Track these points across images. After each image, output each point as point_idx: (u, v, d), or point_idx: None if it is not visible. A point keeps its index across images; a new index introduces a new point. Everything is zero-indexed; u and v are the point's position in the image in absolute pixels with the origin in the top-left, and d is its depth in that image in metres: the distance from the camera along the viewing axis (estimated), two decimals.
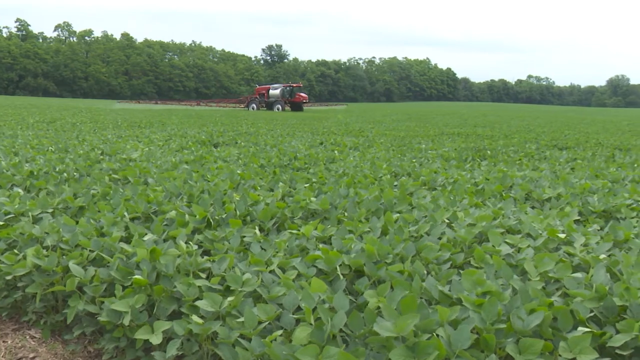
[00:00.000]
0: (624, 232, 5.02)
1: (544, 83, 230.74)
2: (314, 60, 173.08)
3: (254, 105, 56.35)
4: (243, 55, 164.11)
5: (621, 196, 6.92)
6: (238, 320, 3.25)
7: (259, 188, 7.19)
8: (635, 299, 3.25)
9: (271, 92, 57.86)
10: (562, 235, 4.84)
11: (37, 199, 5.89)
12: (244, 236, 4.83)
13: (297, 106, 57.26)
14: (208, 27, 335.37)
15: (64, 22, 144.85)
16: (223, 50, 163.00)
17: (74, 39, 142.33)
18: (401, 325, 2.78)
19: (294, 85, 60.47)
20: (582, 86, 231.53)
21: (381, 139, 18.06)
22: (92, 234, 4.71)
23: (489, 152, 13.91)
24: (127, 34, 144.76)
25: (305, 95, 60.36)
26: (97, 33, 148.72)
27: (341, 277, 3.87)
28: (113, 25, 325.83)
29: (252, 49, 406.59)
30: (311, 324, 3.05)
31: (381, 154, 12.74)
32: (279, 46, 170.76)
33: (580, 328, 3.03)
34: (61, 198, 6.05)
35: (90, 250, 4.35)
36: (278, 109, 55.03)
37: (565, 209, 6.34)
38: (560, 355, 2.83)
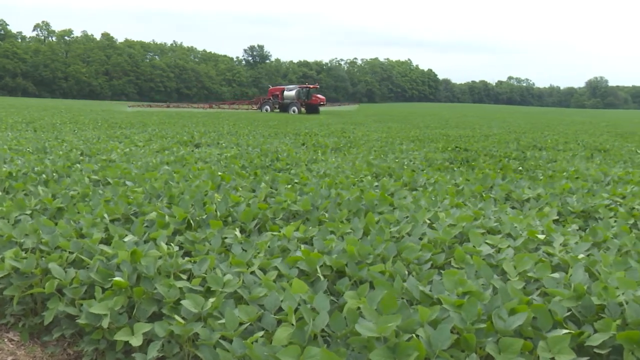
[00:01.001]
0: (603, 233, 5.08)
1: (524, 84, 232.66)
2: (295, 61, 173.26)
3: (267, 107, 54.13)
4: (225, 56, 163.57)
5: (600, 196, 7.00)
6: (219, 321, 3.23)
7: (240, 189, 7.17)
8: (613, 298, 3.29)
9: (286, 93, 55.02)
10: (542, 236, 4.88)
11: (15, 200, 5.83)
12: (225, 237, 4.82)
13: (313, 108, 54.28)
14: (189, 27, 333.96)
15: (43, 22, 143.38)
16: (204, 50, 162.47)
17: (54, 38, 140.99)
18: (383, 325, 2.79)
19: (311, 86, 57.60)
20: (562, 87, 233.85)
21: (362, 139, 18.10)
22: (71, 235, 4.67)
23: (470, 153, 13.98)
24: (108, 34, 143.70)
25: (323, 97, 57.53)
26: (77, 33, 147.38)
27: (322, 277, 3.87)
28: (93, 25, 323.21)
29: (234, 50, 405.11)
30: (293, 325, 3.04)
31: (363, 154, 12.76)
32: (261, 47, 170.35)
33: (559, 330, 3.06)
34: (39, 199, 5.99)
35: (69, 252, 4.31)
36: (294, 111, 52.00)
37: (544, 209, 6.39)
38: (539, 355, 2.86)
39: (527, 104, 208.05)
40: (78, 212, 5.55)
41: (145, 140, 15.29)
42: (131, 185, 7.21)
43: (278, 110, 54.13)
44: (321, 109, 56.34)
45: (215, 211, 5.54)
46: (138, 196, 6.14)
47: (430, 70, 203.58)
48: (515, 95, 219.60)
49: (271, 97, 55.88)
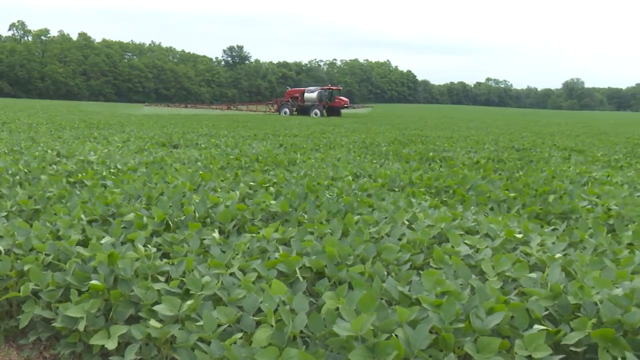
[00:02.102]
0: (579, 233, 5.14)
1: (502, 86, 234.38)
2: (275, 61, 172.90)
3: (287, 110, 51.65)
4: (204, 57, 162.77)
5: (578, 197, 7.08)
6: (197, 323, 3.22)
7: (219, 190, 7.14)
8: (589, 297, 3.32)
9: (307, 95, 52.43)
10: (519, 236, 4.92)
11: None
12: (204, 238, 4.79)
13: (334, 111, 51.72)
14: (167, 27, 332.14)
15: (19, 21, 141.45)
16: (183, 51, 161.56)
17: (30, 38, 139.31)
18: (358, 324, 2.80)
19: (333, 87, 54.90)
20: (539, 89, 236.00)
21: (342, 140, 18.12)
22: (47, 237, 4.61)
23: (449, 154, 14.07)
24: (85, 34, 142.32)
25: (346, 99, 54.71)
26: (54, 33, 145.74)
27: (301, 279, 3.87)
28: (70, 24, 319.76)
29: (213, 50, 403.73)
30: (272, 326, 3.04)
31: (342, 155, 12.78)
32: (240, 47, 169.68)
33: (536, 326, 3.08)
34: (15, 201, 5.92)
35: (45, 254, 4.26)
36: (316, 114, 49.32)
37: (522, 210, 6.45)
38: (516, 353, 2.88)
39: (505, 105, 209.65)
40: (55, 214, 5.49)
41: (123, 141, 15.17)
42: (110, 185, 7.15)
43: (296, 112, 51.67)
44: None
45: (194, 212, 5.51)
46: (116, 197, 6.09)
47: (409, 71, 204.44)
48: (494, 96, 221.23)
49: (290, 100, 53.29)
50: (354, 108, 61.09)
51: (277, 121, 33.80)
